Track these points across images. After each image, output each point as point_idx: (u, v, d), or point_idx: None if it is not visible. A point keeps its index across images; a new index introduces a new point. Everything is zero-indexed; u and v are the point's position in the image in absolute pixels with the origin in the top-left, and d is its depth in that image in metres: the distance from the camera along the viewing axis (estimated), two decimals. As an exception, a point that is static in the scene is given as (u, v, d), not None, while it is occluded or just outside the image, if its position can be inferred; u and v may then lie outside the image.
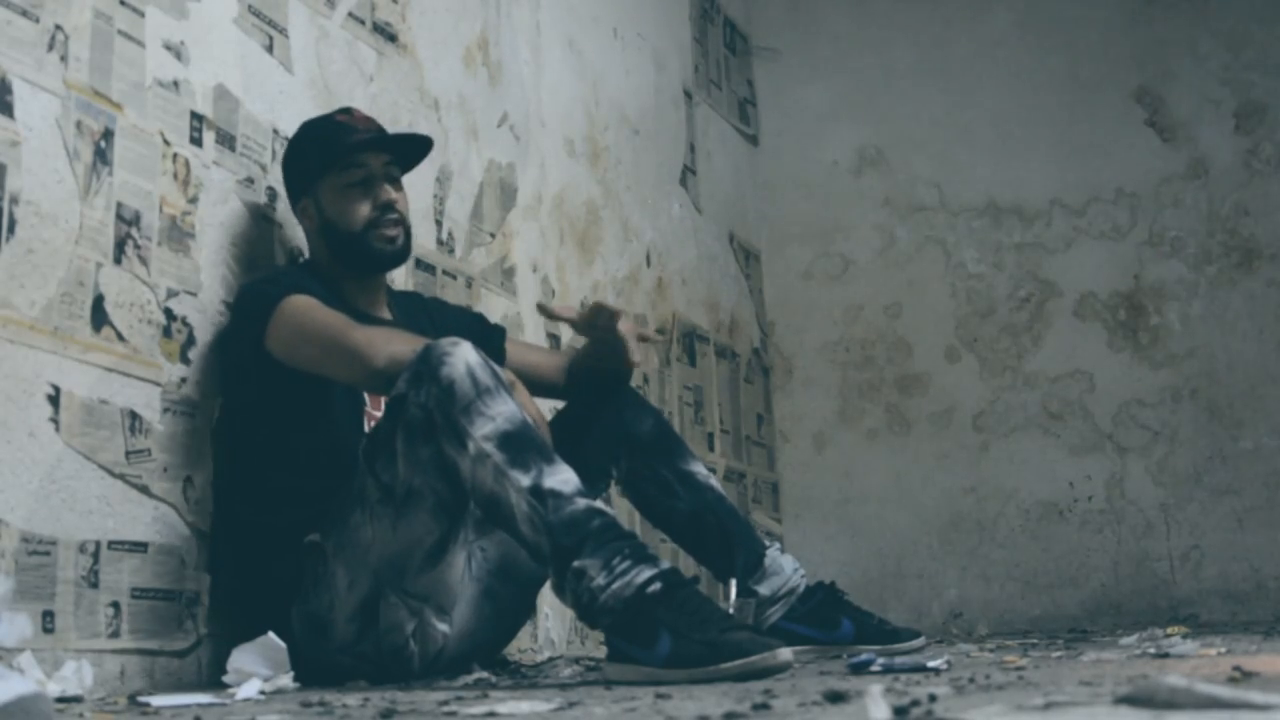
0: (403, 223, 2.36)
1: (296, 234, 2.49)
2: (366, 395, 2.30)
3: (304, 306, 2.17)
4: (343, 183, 2.32)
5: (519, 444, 1.95)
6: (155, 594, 2.08)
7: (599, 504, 1.95)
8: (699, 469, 2.60)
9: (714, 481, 2.62)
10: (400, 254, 2.37)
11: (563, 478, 1.94)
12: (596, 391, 2.56)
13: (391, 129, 2.75)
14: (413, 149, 2.45)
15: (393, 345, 2.06)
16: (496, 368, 2.02)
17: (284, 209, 2.46)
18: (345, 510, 2.10)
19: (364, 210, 2.32)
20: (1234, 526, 4.48)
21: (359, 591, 2.10)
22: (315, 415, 2.23)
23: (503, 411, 1.96)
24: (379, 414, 2.27)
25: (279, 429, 2.22)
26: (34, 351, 1.89)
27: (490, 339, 2.52)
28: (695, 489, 2.57)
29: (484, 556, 2.30)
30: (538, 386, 2.59)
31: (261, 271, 2.37)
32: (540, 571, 2.26)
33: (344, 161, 2.32)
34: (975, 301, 4.80)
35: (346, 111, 2.41)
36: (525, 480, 1.92)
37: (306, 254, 2.49)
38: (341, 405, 2.27)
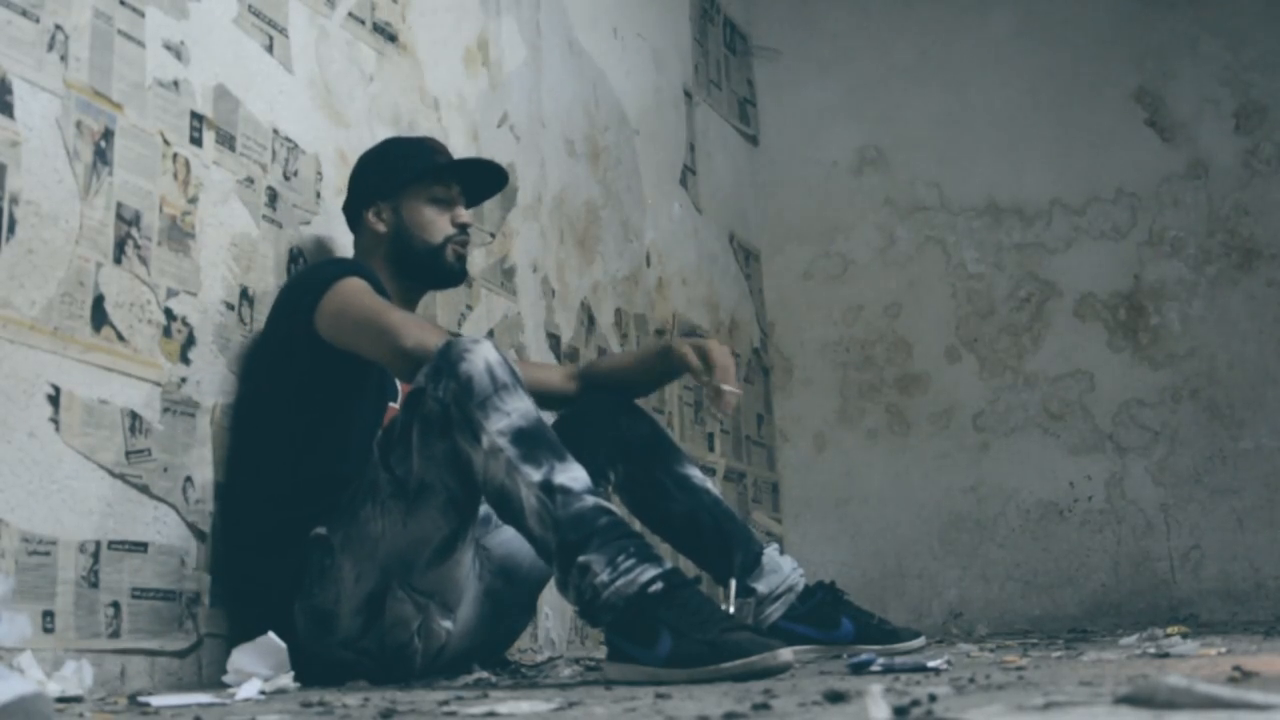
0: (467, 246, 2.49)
1: (297, 234, 2.49)
2: (399, 388, 2.32)
3: (357, 286, 2.23)
4: (430, 196, 2.44)
5: (532, 440, 1.96)
6: (155, 594, 2.08)
7: (607, 502, 1.95)
8: (694, 472, 2.61)
9: (710, 484, 2.63)
10: (464, 273, 2.49)
11: (573, 475, 1.95)
12: (597, 397, 2.57)
13: (391, 130, 2.76)
14: (484, 185, 2.56)
15: (425, 333, 2.11)
16: (515, 367, 2.03)
17: (284, 209, 2.47)
18: (356, 503, 2.10)
19: (445, 225, 2.44)
20: (1234, 526, 4.48)
21: (366, 585, 2.10)
22: (341, 409, 2.24)
23: (518, 408, 1.98)
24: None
25: (301, 421, 2.23)
26: (34, 351, 1.89)
27: None
28: (691, 491, 2.58)
29: (486, 556, 2.30)
30: (546, 399, 2.60)
31: (259, 273, 2.38)
32: (542, 572, 2.26)
33: (435, 177, 2.43)
34: (975, 301, 4.80)
35: (431, 139, 2.53)
36: (536, 475, 1.94)
37: (306, 255, 2.50)
38: (369, 402, 2.29)
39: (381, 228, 2.43)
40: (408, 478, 2.05)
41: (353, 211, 2.47)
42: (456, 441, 1.99)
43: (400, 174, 2.42)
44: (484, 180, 2.56)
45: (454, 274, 2.46)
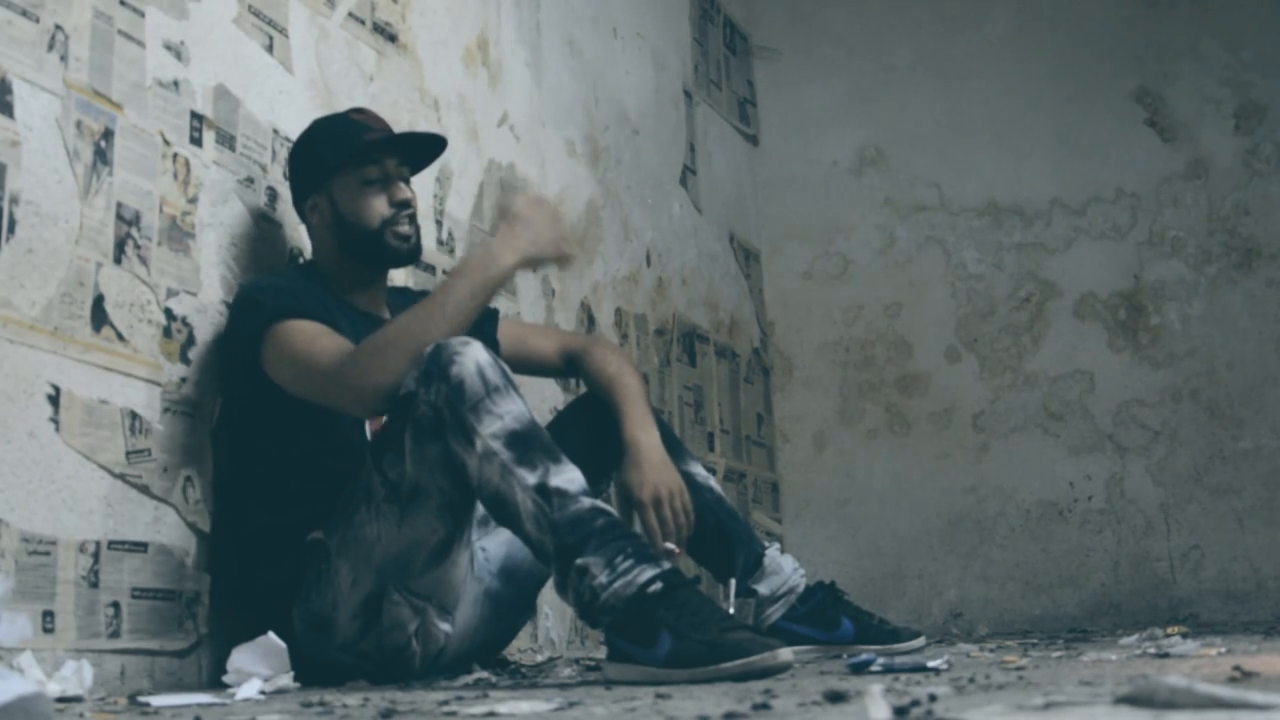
0: (415, 220, 2.36)
1: (297, 234, 2.49)
2: None
3: (296, 340, 2.14)
4: (359, 179, 2.31)
5: (526, 443, 1.96)
6: (155, 594, 2.08)
7: (603, 504, 1.95)
8: (698, 470, 2.60)
9: (713, 482, 2.62)
10: (414, 252, 2.36)
11: (568, 477, 1.95)
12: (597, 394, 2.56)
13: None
14: (424, 150, 2.44)
15: (381, 377, 2.05)
16: (506, 367, 2.02)
17: (284, 209, 2.46)
18: (350, 507, 2.10)
19: (380, 207, 2.31)
20: (1234, 526, 4.48)
21: (362, 589, 2.10)
22: (317, 416, 2.22)
23: (511, 410, 1.97)
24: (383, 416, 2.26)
25: (281, 430, 2.22)
26: (34, 351, 1.89)
27: (481, 325, 2.49)
28: (694, 489, 2.56)
29: (485, 556, 2.30)
30: (534, 365, 2.58)
31: (260, 273, 2.36)
32: (541, 572, 2.26)
33: (361, 158, 2.31)
34: (975, 301, 4.80)
35: (360, 111, 2.41)
36: (531, 478, 1.93)
37: (306, 253, 2.49)
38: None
39: (318, 219, 2.34)
40: (401, 481, 2.03)
41: (297, 208, 2.40)
42: (450, 445, 1.98)
43: (326, 162, 2.32)
44: (423, 145, 2.43)
45: (400, 255, 2.34)
